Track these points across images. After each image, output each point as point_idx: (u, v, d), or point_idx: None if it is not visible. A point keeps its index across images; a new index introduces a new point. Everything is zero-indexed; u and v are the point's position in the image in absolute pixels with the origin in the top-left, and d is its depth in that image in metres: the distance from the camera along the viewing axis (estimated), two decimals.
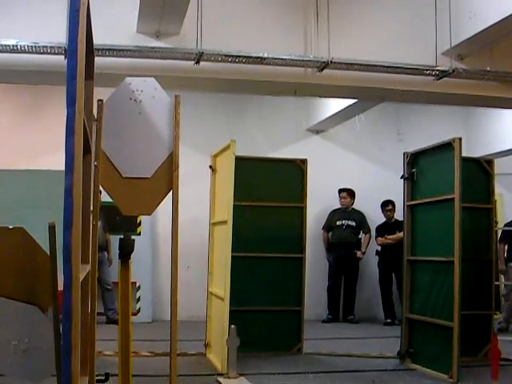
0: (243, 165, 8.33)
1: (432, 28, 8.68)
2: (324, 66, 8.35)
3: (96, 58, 4.37)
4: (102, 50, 7.54)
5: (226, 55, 8.06)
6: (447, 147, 7.94)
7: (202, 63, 8.10)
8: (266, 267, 9.03)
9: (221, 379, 7.17)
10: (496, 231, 10.29)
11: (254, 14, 8.47)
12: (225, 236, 7.88)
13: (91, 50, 3.95)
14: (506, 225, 12.02)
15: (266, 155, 10.07)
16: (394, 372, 8.11)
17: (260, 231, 9.07)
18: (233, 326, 7.35)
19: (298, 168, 9.25)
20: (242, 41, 8.19)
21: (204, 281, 8.94)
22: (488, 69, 8.95)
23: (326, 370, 8.00)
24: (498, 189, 10.47)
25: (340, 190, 13.08)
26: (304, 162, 9.27)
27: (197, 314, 9.45)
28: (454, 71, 8.74)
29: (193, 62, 8.10)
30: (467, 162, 8.38)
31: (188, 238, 9.04)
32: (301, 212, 9.23)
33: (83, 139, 3.03)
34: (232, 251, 7.75)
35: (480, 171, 8.99)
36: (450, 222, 7.72)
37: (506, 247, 11.71)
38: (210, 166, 8.87)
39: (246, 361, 7.67)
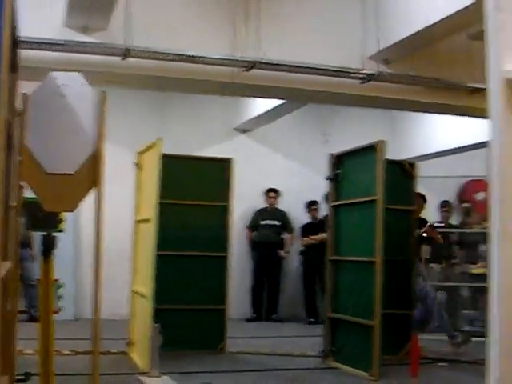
0: (169, 162, 8.28)
1: (359, 32, 8.78)
2: (252, 66, 8.37)
3: (22, 51, 4.30)
4: (28, 42, 7.41)
5: (153, 52, 8.01)
6: (371, 149, 8.04)
7: (129, 59, 8.03)
8: (190, 265, 9.01)
9: (143, 378, 7.12)
10: (417, 232, 10.42)
11: (183, 12, 8.44)
12: (149, 234, 7.84)
13: (16, 43, 3.88)
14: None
15: (192, 153, 10.06)
16: (316, 370, 8.18)
17: (185, 229, 9.05)
18: (156, 325, 7.31)
19: (223, 167, 9.24)
20: (170, 38, 8.16)
21: (128, 279, 8.87)
22: (413, 73, 9.09)
23: (249, 369, 8.03)
24: (420, 191, 10.62)
25: (269, 190, 13.14)
26: (230, 161, 9.28)
27: (120, 312, 9.37)
28: (379, 75, 8.86)
29: (120, 58, 8.02)
30: (390, 164, 8.50)
31: (112, 236, 8.89)
32: (226, 211, 9.24)
33: (6, 134, 2.98)
34: (156, 249, 7.72)
35: (403, 174, 9.13)
36: (372, 223, 7.83)
37: (428, 248, 11.93)
38: (136, 164, 8.81)
39: (169, 359, 7.63)
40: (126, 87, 10.06)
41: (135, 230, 8.83)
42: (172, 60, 8.15)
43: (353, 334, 8.23)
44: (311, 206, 13.05)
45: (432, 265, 11.83)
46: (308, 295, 12.88)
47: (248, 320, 12.65)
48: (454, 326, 11.30)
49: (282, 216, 13.21)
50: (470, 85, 9.32)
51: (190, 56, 8.13)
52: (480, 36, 4.05)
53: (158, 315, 7.56)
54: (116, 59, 8.03)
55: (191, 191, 9.09)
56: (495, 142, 3.64)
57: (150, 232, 7.82)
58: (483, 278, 10.52)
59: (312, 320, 12.52)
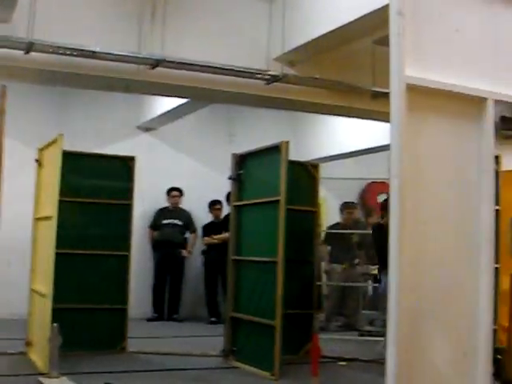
0: (71, 160, 8.16)
1: (265, 33, 8.82)
2: (156, 63, 8.32)
3: None
4: None
5: (57, 47, 7.85)
6: (275, 150, 8.10)
7: (32, 54, 7.86)
8: (91, 264, 8.90)
9: (42, 379, 6.99)
10: (319, 233, 10.58)
11: (89, 8, 8.30)
12: (49, 232, 7.71)
13: None
14: (329, 227, 12.41)
15: (94, 151, 9.92)
16: (217, 370, 8.19)
17: (86, 228, 8.94)
18: (55, 325, 7.19)
19: (125, 165, 9.17)
20: (74, 33, 8.01)
21: (26, 278, 8.70)
22: (317, 76, 9.18)
23: (150, 369, 7.99)
24: (323, 192, 10.76)
25: (171, 189, 13.09)
26: (132, 159, 9.20)
27: (18, 311, 9.18)
28: (284, 76, 8.92)
29: (22, 52, 7.86)
30: (294, 165, 8.59)
31: (10, 234, 8.78)
32: (127, 209, 9.17)
33: None
34: (56, 248, 7.59)
35: (306, 175, 9.24)
36: (274, 224, 7.89)
37: (330, 249, 12.12)
38: (37, 160, 8.65)
39: (68, 360, 7.51)
40: (27, 82, 9.84)
41: (35, 228, 8.67)
42: (75, 55, 8.01)
43: (254, 334, 8.28)
44: (214, 205, 13.06)
45: (334, 265, 12.02)
46: (210, 295, 12.88)
47: (149, 320, 12.56)
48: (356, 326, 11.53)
49: (184, 215, 13.18)
50: (373, 89, 9.47)
51: (93, 52, 8.00)
52: (384, 41, 4.13)
53: (58, 315, 7.43)
54: (18, 53, 7.85)
55: (92, 189, 8.99)
56: (396, 145, 3.71)
57: (50, 230, 7.68)
58: None
59: (214, 320, 12.52)
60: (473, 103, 4.10)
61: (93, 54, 8.02)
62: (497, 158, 8.10)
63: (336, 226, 12.48)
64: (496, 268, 6.66)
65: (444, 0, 4.06)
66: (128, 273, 9.09)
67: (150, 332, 11.04)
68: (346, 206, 12.55)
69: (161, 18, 8.32)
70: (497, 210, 6.47)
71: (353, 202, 13.04)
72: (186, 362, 8.47)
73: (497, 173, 7.39)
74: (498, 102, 4.19)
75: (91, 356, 8.37)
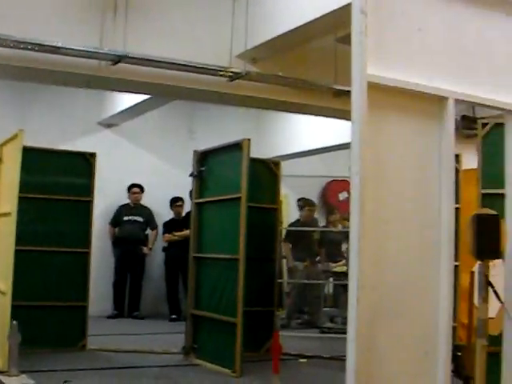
0: (31, 155, 8.07)
1: (228, 30, 8.81)
2: (118, 59, 8.27)
3: None
4: None
5: (17, 41, 7.77)
6: (236, 147, 8.11)
7: None
8: (51, 261, 8.82)
9: (1, 377, 6.91)
10: (281, 231, 10.60)
11: (50, 2, 8.24)
12: (8, 229, 7.62)
13: None
14: (290, 225, 12.45)
15: (56, 147, 9.83)
16: (178, 367, 8.17)
17: (45, 224, 8.87)
18: (14, 322, 7.11)
19: (86, 161, 9.11)
20: (34, 27, 7.93)
21: None
22: (280, 74, 9.20)
23: (111, 367, 7.95)
24: (284, 190, 10.79)
25: (132, 185, 13.03)
26: (93, 155, 9.15)
27: None
28: (246, 74, 8.92)
29: None
30: (255, 162, 8.61)
31: None
32: (88, 206, 9.10)
33: None
34: (16, 244, 7.51)
35: (267, 172, 9.25)
36: (236, 221, 7.89)
37: (291, 246, 12.15)
38: None
39: (28, 358, 7.43)
40: None
41: None
42: (37, 50, 7.92)
43: (215, 331, 8.28)
44: (175, 202, 13.03)
45: (295, 263, 12.05)
46: (170, 292, 12.85)
47: (109, 317, 12.51)
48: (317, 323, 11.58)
49: (145, 212, 13.13)
50: (335, 87, 9.51)
51: (54, 47, 7.93)
52: (346, 39, 4.14)
53: (17, 312, 7.34)
54: None
55: (53, 185, 8.92)
56: (357, 143, 3.73)
57: (9, 227, 7.60)
58: (345, 275, 10.85)
59: (174, 317, 12.49)
60: (434, 102, 4.13)
61: (54, 50, 7.95)
62: (457, 156, 8.18)
63: (296, 223, 12.52)
64: (456, 266, 6.73)
65: None
66: (88, 270, 9.04)
67: (110, 329, 10.99)
68: (306, 204, 12.58)
69: (123, 14, 8.27)
70: (457, 209, 6.55)
71: (311, 200, 13.05)
72: (147, 360, 8.45)
73: (457, 171, 7.48)
74: (458, 102, 4.23)
75: (51, 354, 8.30)
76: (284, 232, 11.80)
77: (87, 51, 8.12)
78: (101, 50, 8.19)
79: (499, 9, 4.48)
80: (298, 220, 12.56)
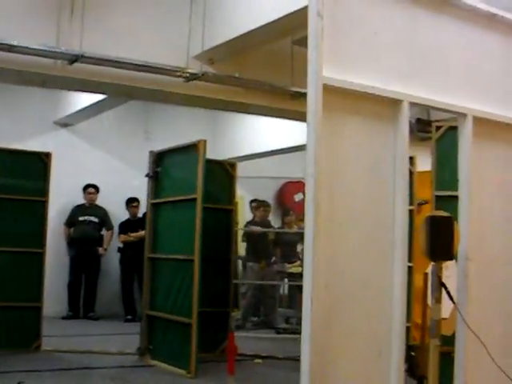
0: None
1: (186, 31, 8.81)
2: (75, 59, 8.22)
3: None
4: None
5: None
6: (192, 148, 8.11)
7: None
8: (5, 261, 8.75)
9: None
10: (236, 231, 10.62)
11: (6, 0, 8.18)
12: None
13: None
14: (245, 225, 12.47)
15: (10, 146, 9.73)
16: (133, 368, 8.15)
17: (0, 224, 8.78)
18: None
19: (41, 161, 9.04)
20: None
21: None
22: (237, 75, 9.22)
23: (65, 368, 7.91)
24: (240, 191, 10.81)
25: (87, 186, 12.95)
26: (48, 155, 9.08)
27: None
28: (203, 75, 8.93)
29: None
30: (211, 163, 8.63)
31: None
32: (43, 206, 9.03)
33: None
34: None
35: (223, 173, 9.26)
36: (191, 222, 7.89)
37: (246, 246, 12.18)
38: None
39: None
40: None
41: None
42: None
43: (170, 332, 8.26)
44: (131, 203, 12.97)
45: (250, 263, 12.07)
46: (125, 293, 12.79)
47: (64, 318, 12.41)
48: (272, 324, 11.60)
49: (100, 212, 13.06)
50: (291, 89, 9.56)
51: (11, 45, 7.86)
52: (303, 42, 4.17)
53: None
54: None
55: (7, 185, 8.84)
56: (312, 145, 3.76)
57: None
58: (300, 276, 10.89)
59: (129, 318, 12.45)
60: (389, 105, 4.18)
61: (10, 48, 7.89)
62: (412, 159, 8.26)
63: (249, 224, 12.57)
64: (410, 267, 6.80)
65: (363, 3, 4.12)
66: (43, 270, 8.97)
67: (65, 330, 10.92)
68: (261, 204, 12.60)
69: (80, 13, 8.23)
70: (411, 210, 6.61)
71: (266, 201, 13.07)
72: (102, 361, 8.41)
73: (411, 174, 7.57)
74: (413, 104, 4.28)
75: (5, 355, 8.21)
76: (240, 233, 11.82)
77: (43, 50, 8.07)
78: (57, 49, 8.14)
79: (454, 13, 4.55)
80: (251, 221, 12.59)
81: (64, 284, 12.60)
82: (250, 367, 8.36)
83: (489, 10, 4.72)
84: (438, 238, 4.21)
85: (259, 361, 8.73)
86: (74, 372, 7.76)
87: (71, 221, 12.91)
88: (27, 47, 7.96)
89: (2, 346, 8.39)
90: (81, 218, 12.88)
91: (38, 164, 9.03)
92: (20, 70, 8.36)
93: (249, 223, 12.52)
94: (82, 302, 12.84)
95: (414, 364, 4.66)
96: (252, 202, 13.30)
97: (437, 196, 6.89)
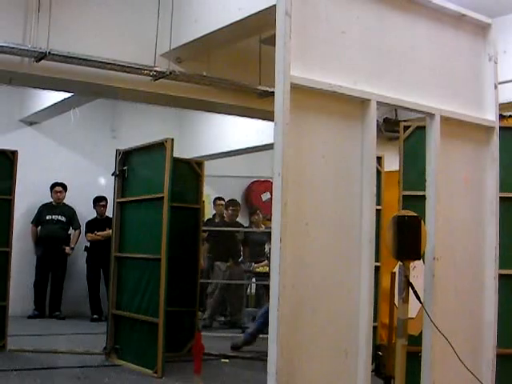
0: None
1: (153, 29, 8.77)
2: (42, 56, 8.16)
3: None
4: None
5: None
6: (160, 147, 8.08)
7: None
8: None
9: None
10: (203, 231, 10.59)
11: None
12: None
13: None
14: (204, 224, 12.40)
15: None
16: (99, 368, 8.10)
17: None
18: None
19: (7, 159, 8.95)
20: None
21: None
22: (205, 74, 9.20)
23: (31, 367, 7.84)
24: (207, 190, 10.80)
25: (55, 184, 12.86)
26: (14, 153, 8.99)
27: None
28: (171, 73, 8.90)
29: None
30: (178, 162, 8.61)
31: None
32: (9, 204, 8.94)
33: None
34: None
35: (190, 172, 9.25)
36: (158, 221, 7.86)
37: (208, 246, 12.19)
38: None
39: None
40: None
41: None
42: None
43: (137, 332, 8.23)
44: (98, 202, 12.91)
45: (218, 263, 12.06)
46: (92, 292, 12.73)
47: (30, 317, 12.33)
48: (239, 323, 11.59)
49: (68, 211, 12.98)
50: (259, 88, 9.56)
51: None
52: (271, 41, 4.17)
53: None
54: None
55: None
56: (279, 144, 3.75)
57: None
58: (267, 276, 10.88)
59: (96, 317, 12.41)
60: (356, 104, 4.18)
61: None
62: (379, 158, 8.29)
63: (211, 221, 12.59)
64: (377, 267, 6.82)
65: (331, 2, 4.11)
66: (8, 269, 8.88)
67: (31, 330, 10.84)
68: (230, 204, 12.60)
69: (47, 10, 8.16)
70: (378, 210, 6.63)
71: (235, 200, 13.07)
72: (68, 360, 8.36)
73: (379, 173, 7.59)
74: (380, 104, 4.29)
75: None
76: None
77: (9, 47, 8.00)
78: (23, 47, 8.08)
79: (422, 13, 4.56)
80: (211, 219, 12.61)
81: (30, 283, 12.51)
82: (217, 367, 8.36)
83: (457, 9, 4.73)
84: (405, 237, 4.22)
85: (226, 360, 8.73)
86: (40, 372, 7.70)
87: (38, 220, 12.83)
88: None
89: None
90: (48, 217, 12.80)
91: (3, 162, 8.92)
92: None
93: (209, 221, 12.51)
94: (48, 301, 12.76)
95: (381, 364, 4.66)
96: (216, 199, 13.31)
97: (404, 196, 6.91)
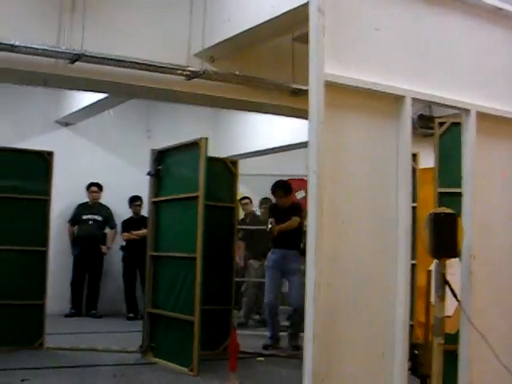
0: None
1: (186, 29, 8.79)
2: (76, 58, 8.22)
3: None
4: None
5: None
6: (194, 146, 8.09)
7: None
8: (9, 260, 8.75)
9: None
10: (238, 230, 10.58)
11: (8, 0, 8.17)
12: None
13: None
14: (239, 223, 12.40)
15: (12, 145, 9.73)
16: (135, 366, 8.15)
17: (2, 223, 8.77)
18: None
19: (44, 160, 9.03)
20: None
21: None
22: (238, 72, 9.21)
23: (68, 365, 7.90)
24: (241, 189, 10.79)
25: (90, 184, 12.95)
26: (51, 154, 9.07)
27: None
28: (204, 73, 8.91)
29: None
30: (213, 161, 8.60)
31: None
32: (45, 204, 9.02)
33: None
34: None
35: (225, 171, 9.24)
36: (193, 220, 7.88)
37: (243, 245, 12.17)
38: None
39: None
40: None
41: None
42: None
43: (172, 330, 8.25)
44: (134, 202, 12.97)
45: (251, 261, 12.05)
46: (128, 290, 12.80)
47: (67, 315, 12.42)
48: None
49: (104, 211, 13.06)
50: (292, 86, 9.54)
51: (12, 45, 7.86)
52: (304, 38, 4.15)
53: None
54: None
55: (10, 184, 8.83)
56: (314, 142, 3.74)
57: None
58: (302, 274, 10.81)
59: (132, 315, 12.47)
60: (391, 101, 4.15)
61: (11, 48, 7.89)
62: (414, 155, 8.24)
63: (247, 222, 12.58)
64: (413, 264, 6.78)
65: None
66: (46, 268, 8.96)
67: (68, 328, 10.91)
68: (264, 202, 12.60)
69: (81, 12, 8.23)
70: (414, 207, 6.60)
71: (268, 198, 13.06)
72: (104, 358, 8.41)
73: (414, 170, 7.54)
74: (415, 100, 4.26)
75: (8, 352, 8.24)
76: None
77: (44, 50, 8.07)
78: (58, 49, 8.15)
79: (458, 8, 4.52)
80: (244, 219, 12.62)
81: (67, 282, 12.60)
82: (253, 365, 8.35)
83: (494, 4, 4.68)
84: (441, 235, 4.19)
85: (261, 359, 8.72)
86: (77, 369, 7.76)
87: (75, 219, 12.92)
88: (28, 47, 7.96)
89: (5, 343, 8.41)
90: (84, 217, 12.89)
91: (40, 163, 9.01)
92: (22, 70, 8.37)
93: (242, 221, 12.49)
94: (85, 299, 12.85)
95: (417, 363, 4.63)
96: (241, 199, 13.30)
97: (440, 193, 6.86)
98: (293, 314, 9.63)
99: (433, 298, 4.38)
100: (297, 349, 9.09)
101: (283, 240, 9.33)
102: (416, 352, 4.66)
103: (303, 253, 9.76)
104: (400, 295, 4.07)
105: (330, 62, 3.80)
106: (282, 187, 9.62)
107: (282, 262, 9.46)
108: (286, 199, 9.61)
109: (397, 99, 4.16)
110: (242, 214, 13.58)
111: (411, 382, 4.27)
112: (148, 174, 8.80)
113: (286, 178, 14.88)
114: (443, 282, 4.23)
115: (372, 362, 4.03)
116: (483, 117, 4.59)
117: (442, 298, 4.26)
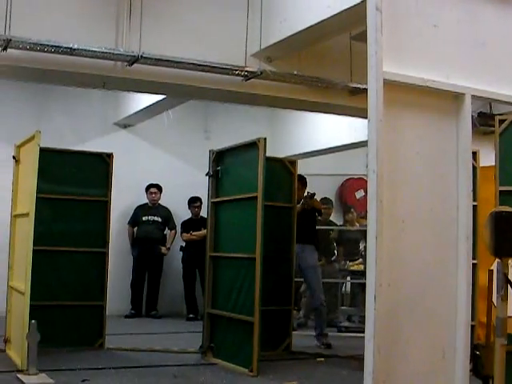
0: (48, 156, 8.14)
1: (243, 29, 8.81)
2: (134, 60, 8.29)
3: None
4: None
5: (34, 43, 7.80)
6: (252, 146, 8.09)
7: (9, 50, 7.81)
8: (69, 261, 8.84)
9: (21, 376, 6.94)
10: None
11: (66, 4, 8.27)
12: (26, 229, 7.65)
13: None
14: None
15: (72, 147, 9.85)
16: (195, 366, 8.17)
17: (63, 224, 8.87)
18: (33, 321, 7.14)
19: (103, 162, 9.12)
20: (51, 30, 7.96)
21: (5, 275, 8.63)
22: (295, 72, 9.19)
23: (128, 366, 7.95)
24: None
25: (150, 186, 13.05)
26: (110, 156, 9.15)
27: None
28: (262, 73, 8.92)
29: (0, 49, 7.80)
30: (271, 161, 8.60)
31: None
32: (105, 206, 9.11)
33: None
34: (34, 244, 7.53)
35: (283, 171, 9.24)
36: (252, 220, 7.87)
37: None
38: (14, 157, 8.58)
39: (46, 357, 7.46)
40: (5, 78, 9.78)
41: (13, 225, 8.59)
42: (53, 52, 7.96)
43: (232, 330, 8.26)
44: (193, 202, 13.03)
45: None
46: (188, 291, 12.86)
47: (127, 316, 12.54)
48: (334, 322, 11.52)
49: (163, 212, 13.14)
50: (351, 85, 9.49)
51: (70, 48, 7.96)
52: (361, 37, 4.13)
53: (36, 312, 7.38)
54: None
55: (70, 186, 8.93)
56: (373, 141, 3.71)
57: (27, 227, 7.62)
58: (362, 274, 10.82)
59: (191, 316, 12.53)
60: (450, 99, 4.11)
61: (70, 51, 7.99)
62: (475, 153, 8.13)
63: None
64: (474, 264, 6.69)
65: None
66: (106, 269, 9.04)
67: (128, 329, 11.01)
68: (323, 202, 12.55)
69: (138, 15, 8.29)
70: (474, 206, 6.50)
71: (328, 198, 13.02)
72: (165, 359, 8.44)
73: (474, 168, 7.44)
74: (475, 98, 4.21)
75: (69, 353, 8.33)
76: None
77: (103, 52, 8.15)
78: (116, 51, 8.22)
79: None
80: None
81: (127, 283, 12.72)
82: (313, 366, 8.32)
83: None
84: (503, 233, 4.12)
85: (321, 359, 8.69)
86: (137, 370, 7.80)
87: (134, 221, 13.03)
88: (87, 50, 8.05)
89: (65, 344, 8.50)
90: (144, 218, 12.99)
91: (100, 165, 9.10)
92: (80, 73, 8.47)
93: None
94: (145, 300, 12.95)
95: (479, 363, 4.57)
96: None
97: (501, 191, 6.75)
98: (315, 315, 9.69)
99: (495, 298, 4.32)
100: (329, 346, 9.22)
101: (300, 234, 9.36)
102: (477, 353, 4.60)
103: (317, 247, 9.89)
104: (461, 295, 4.02)
105: (388, 60, 3.78)
106: (301, 180, 9.73)
107: (299, 256, 9.46)
108: (301, 191, 9.70)
109: (456, 97, 4.11)
110: None
111: (473, 383, 4.20)
112: (207, 174, 8.83)
113: (345, 178, 14.94)
114: (505, 282, 4.17)
115: (433, 363, 3.99)
116: None
117: (504, 297, 4.19)
